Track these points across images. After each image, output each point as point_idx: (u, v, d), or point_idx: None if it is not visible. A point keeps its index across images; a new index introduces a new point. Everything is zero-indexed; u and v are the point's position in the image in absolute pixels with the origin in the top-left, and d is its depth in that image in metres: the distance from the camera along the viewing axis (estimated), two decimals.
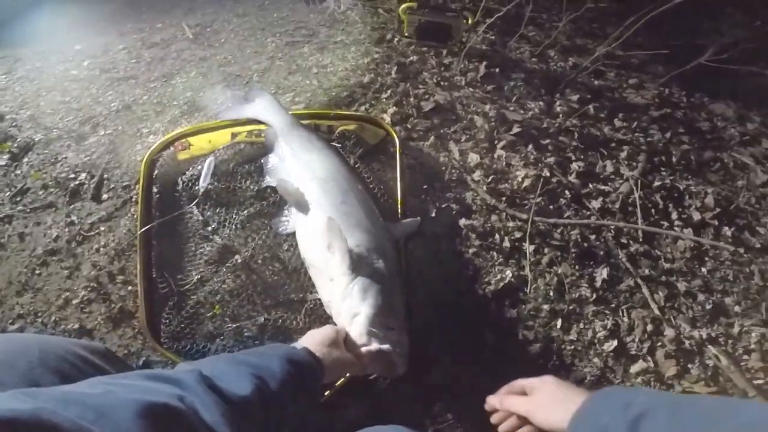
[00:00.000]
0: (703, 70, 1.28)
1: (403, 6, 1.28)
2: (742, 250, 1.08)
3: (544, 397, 0.59)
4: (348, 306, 0.71)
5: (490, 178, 1.08)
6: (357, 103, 1.15)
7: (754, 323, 0.97)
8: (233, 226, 0.84)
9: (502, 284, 0.94)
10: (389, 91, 1.18)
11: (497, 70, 1.29)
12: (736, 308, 0.97)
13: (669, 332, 0.92)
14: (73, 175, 0.94)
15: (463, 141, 1.13)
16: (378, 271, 0.76)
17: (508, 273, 0.96)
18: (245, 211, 0.86)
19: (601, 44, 1.44)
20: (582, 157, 1.17)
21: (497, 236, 1.01)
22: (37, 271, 0.83)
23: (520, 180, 1.10)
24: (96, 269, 0.82)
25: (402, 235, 0.89)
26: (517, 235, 1.02)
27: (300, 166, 0.89)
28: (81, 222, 0.87)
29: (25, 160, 0.97)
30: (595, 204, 1.12)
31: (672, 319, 0.94)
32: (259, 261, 0.83)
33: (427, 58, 1.30)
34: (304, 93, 1.15)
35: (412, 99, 1.18)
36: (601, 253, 1.01)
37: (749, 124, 1.42)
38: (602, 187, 1.14)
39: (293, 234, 0.85)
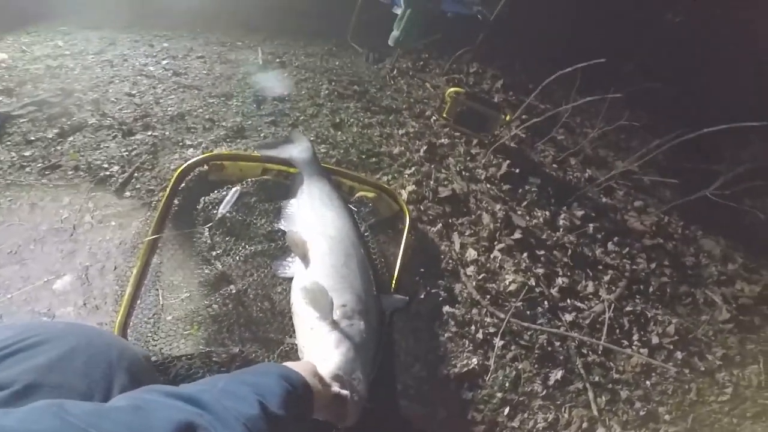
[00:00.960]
0: (705, 200, 1.26)
1: (451, 90, 1.31)
2: (687, 371, 1.09)
3: None
4: (321, 350, 0.70)
5: (482, 275, 1.08)
6: (382, 171, 1.17)
7: (678, 431, 0.96)
8: (237, 257, 0.81)
9: (465, 369, 0.92)
10: (413, 168, 1.21)
11: (518, 170, 1.30)
12: (666, 416, 0.97)
13: None
14: (106, 165, 0.92)
15: (467, 234, 1.15)
16: (357, 331, 0.74)
17: (474, 360, 0.95)
18: (252, 247, 0.83)
19: (621, 158, 1.46)
20: (569, 274, 1.18)
21: (473, 327, 1.00)
22: (31, 246, 0.77)
23: (507, 284, 1.11)
24: (93, 259, 0.77)
25: (390, 308, 0.87)
26: (491, 330, 1.01)
27: (315, 219, 0.89)
28: (94, 210, 0.83)
29: (71, 138, 0.96)
30: (568, 317, 1.12)
31: (607, 421, 0.95)
32: (251, 296, 0.78)
33: (456, 144, 1.32)
34: (338, 148, 1.17)
35: (432, 182, 1.19)
36: (561, 357, 1.02)
37: (730, 265, 1.44)
38: (579, 304, 1.15)
39: (290, 279, 0.82)
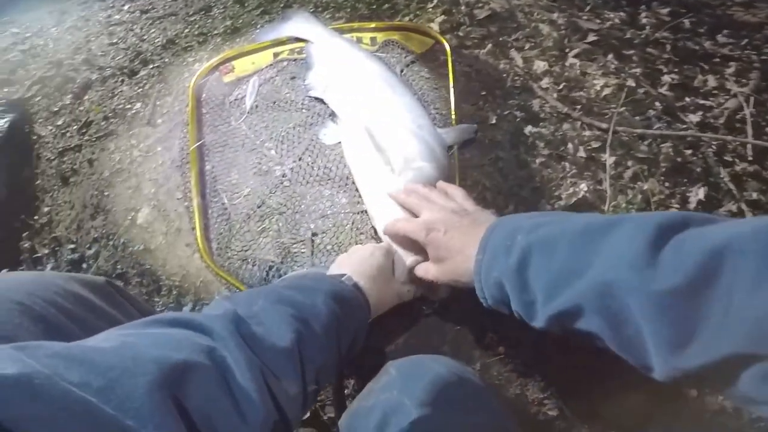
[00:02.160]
0: None
1: None
2: None
3: (447, 243, 0.60)
4: (390, 210, 0.78)
5: (562, 86, 1.10)
6: (400, 14, 1.23)
7: None
8: (281, 138, 0.98)
9: (575, 199, 0.97)
10: (435, 1, 1.25)
11: None
12: None
13: None
14: (129, 106, 1.15)
15: (526, 49, 1.17)
16: (425, 175, 0.84)
17: (583, 186, 0.98)
18: (291, 124, 0.99)
19: None
20: (676, 70, 1.14)
21: (570, 145, 1.03)
22: (105, 192, 1.04)
23: (598, 89, 1.11)
24: (156, 186, 1.00)
25: (456, 141, 0.97)
26: (595, 145, 1.04)
27: (341, 75, 1.01)
28: (139, 145, 1.07)
29: (86, 97, 1.21)
30: (693, 118, 1.09)
31: None
32: (307, 171, 0.95)
33: None
34: (342, 9, 1.26)
35: (463, 7, 1.23)
36: (698, 170, 0.99)
37: None
38: (702, 102, 1.11)
39: (339, 144, 0.97)
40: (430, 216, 0.65)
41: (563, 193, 0.99)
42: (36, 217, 1.06)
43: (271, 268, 0.91)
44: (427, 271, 0.66)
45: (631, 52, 1.19)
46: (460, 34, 1.19)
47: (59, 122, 1.18)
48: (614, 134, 1.06)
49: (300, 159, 0.97)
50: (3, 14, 1.83)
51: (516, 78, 1.12)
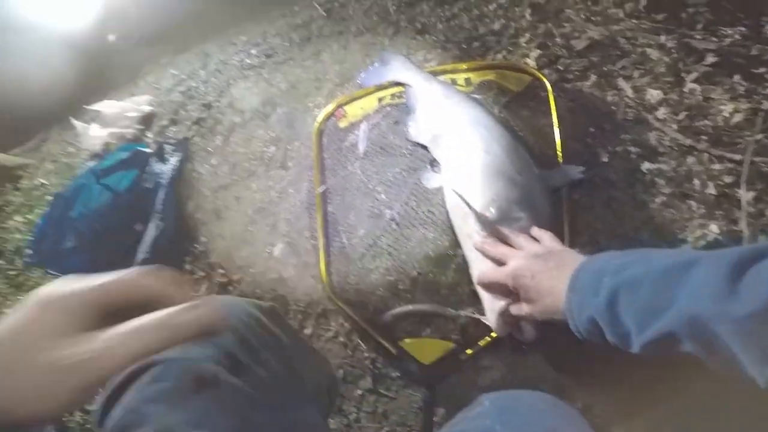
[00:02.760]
0: None
1: None
2: None
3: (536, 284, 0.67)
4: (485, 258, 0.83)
5: (682, 115, 1.03)
6: (492, 51, 1.26)
7: None
8: (389, 183, 1.09)
9: (703, 242, 0.91)
10: (527, 35, 1.25)
11: None
12: None
13: None
14: (265, 149, 1.36)
15: (636, 77, 1.11)
16: (521, 226, 0.85)
17: (714, 228, 0.92)
18: (397, 168, 1.10)
19: None
20: None
21: (697, 182, 0.97)
22: (249, 228, 1.25)
23: (726, 115, 1.01)
24: (288, 225, 1.19)
25: (562, 183, 0.97)
26: (727, 179, 0.96)
27: (439, 121, 1.07)
28: (275, 186, 1.26)
29: (232, 139, 1.45)
30: None
31: None
32: (413, 215, 1.04)
33: None
34: (434, 50, 1.32)
35: (558, 39, 1.21)
36: None
37: None
38: None
39: (442, 189, 1.04)
40: (516, 263, 0.74)
41: (690, 235, 0.94)
42: (196, 245, 1.34)
43: (379, 301, 1.03)
44: (520, 309, 0.74)
45: (762, 70, 1.05)
46: (560, 67, 1.17)
47: (213, 161, 1.45)
48: (751, 165, 0.96)
49: (406, 203, 1.07)
50: (162, 56, 2.22)
51: (627, 110, 1.08)
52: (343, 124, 1.24)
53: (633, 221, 0.97)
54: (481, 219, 0.87)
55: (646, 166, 1.02)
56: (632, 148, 1.04)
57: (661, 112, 1.06)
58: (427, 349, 0.93)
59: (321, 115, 1.26)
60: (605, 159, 1.04)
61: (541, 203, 0.92)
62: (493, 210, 0.88)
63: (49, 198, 1.96)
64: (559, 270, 0.66)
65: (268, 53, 1.67)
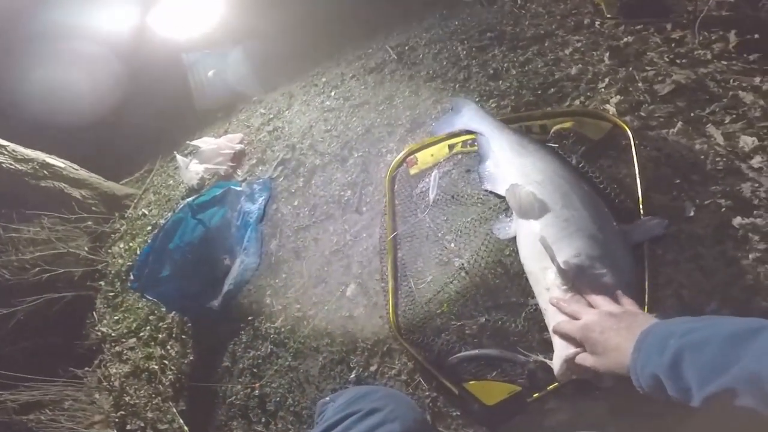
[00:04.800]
0: None
1: None
2: None
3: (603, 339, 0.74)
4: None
5: None
6: (569, 97, 1.25)
7: None
8: (459, 232, 1.11)
9: None
10: (607, 80, 1.22)
11: (756, 36, 1.14)
12: None
13: None
14: (342, 192, 1.46)
15: (727, 123, 1.05)
16: (600, 282, 0.84)
17: None
18: (469, 218, 1.12)
19: None
20: None
21: None
22: (325, 268, 1.35)
23: None
24: (361, 267, 1.26)
25: (643, 238, 0.94)
26: None
27: (514, 171, 1.07)
28: (350, 230, 1.35)
29: (313, 181, 1.58)
30: None
31: None
32: (482, 264, 1.06)
33: (647, 37, 1.27)
34: (507, 96, 1.34)
35: (640, 84, 1.17)
36: None
37: None
38: None
39: (514, 239, 1.04)
40: (589, 319, 0.79)
41: None
42: (276, 280, 1.47)
43: (444, 344, 1.06)
44: (584, 360, 0.79)
45: None
46: (642, 114, 1.13)
47: (295, 203, 1.59)
48: None
49: (476, 252, 1.10)
50: (253, 94, 2.48)
51: (717, 159, 1.02)
52: (414, 171, 1.30)
53: (722, 278, 0.91)
54: (563, 274, 0.87)
55: (738, 220, 0.95)
56: (722, 201, 0.97)
57: (757, 161, 0.99)
58: (491, 391, 0.95)
59: (393, 163, 1.33)
60: (691, 213, 0.98)
61: (622, 260, 0.90)
62: (574, 266, 0.88)
63: (149, 228, 2.25)
64: (629, 330, 0.71)
65: (346, 96, 1.81)
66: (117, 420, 1.59)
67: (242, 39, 2.52)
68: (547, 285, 0.90)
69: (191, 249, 1.72)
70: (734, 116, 1.06)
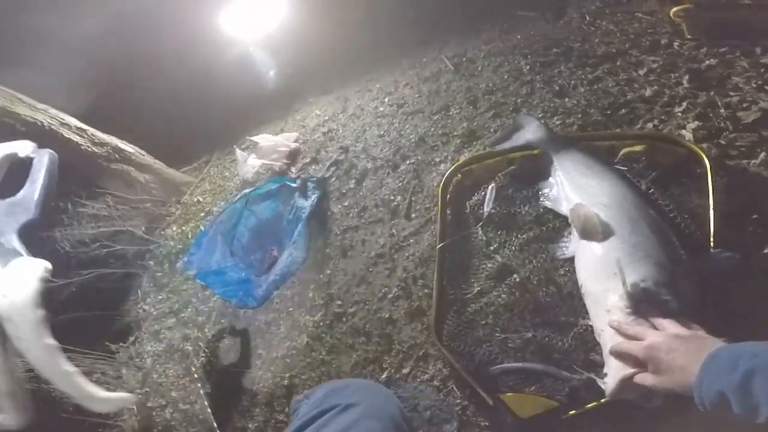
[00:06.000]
0: None
1: (676, 9, 1.27)
2: None
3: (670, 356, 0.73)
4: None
5: None
6: (641, 120, 1.19)
7: None
8: (513, 248, 1.09)
9: None
10: (685, 104, 1.17)
11: None
12: None
13: None
14: (392, 197, 1.47)
15: None
16: (665, 310, 0.82)
17: None
18: (524, 235, 1.10)
19: None
20: None
21: None
22: (370, 269, 1.35)
23: None
24: (405, 272, 1.26)
25: (711, 270, 0.89)
26: None
27: (578, 192, 1.05)
28: (398, 235, 1.36)
29: (364, 184, 1.60)
30: None
31: None
32: (535, 282, 1.04)
33: (732, 61, 1.21)
34: (573, 114, 1.30)
35: (722, 110, 1.12)
36: None
37: None
38: None
39: (570, 259, 1.02)
40: (655, 339, 0.78)
41: None
42: (321, 275, 1.49)
43: (485, 354, 1.04)
44: (644, 380, 0.78)
45: None
46: (722, 142, 1.08)
47: (345, 203, 1.61)
48: None
49: (529, 270, 1.07)
50: (309, 95, 2.55)
51: None
52: (469, 182, 1.29)
53: None
54: (629, 297, 0.85)
55: None
56: None
57: None
58: (527, 404, 0.94)
59: (449, 172, 1.32)
60: (766, 250, 0.93)
61: (689, 290, 0.87)
62: (641, 290, 0.86)
63: (202, 214, 2.35)
64: (696, 353, 0.71)
65: (400, 103, 1.82)
66: (141, 396, 1.64)
67: (302, 39, 2.60)
68: (607, 307, 0.88)
69: (243, 238, 1.79)
70: None
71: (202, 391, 1.52)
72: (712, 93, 1.16)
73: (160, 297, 2.07)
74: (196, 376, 1.58)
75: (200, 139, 3.03)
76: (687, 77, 1.22)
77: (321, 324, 1.38)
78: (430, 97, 1.74)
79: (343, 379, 1.01)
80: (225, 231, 1.79)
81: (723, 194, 0.99)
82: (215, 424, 1.39)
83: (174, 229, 2.45)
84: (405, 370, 1.15)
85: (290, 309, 1.48)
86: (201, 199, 2.54)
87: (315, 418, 0.77)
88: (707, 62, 1.25)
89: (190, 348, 1.68)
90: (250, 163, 2.23)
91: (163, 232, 2.46)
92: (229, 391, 1.46)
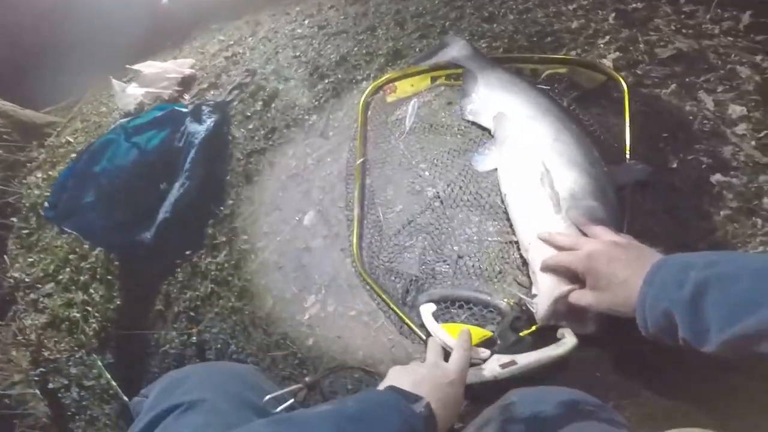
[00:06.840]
0: None
1: None
2: None
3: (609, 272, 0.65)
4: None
5: (763, 133, 0.99)
6: (565, 48, 1.22)
7: None
8: (435, 161, 1.04)
9: None
10: (608, 37, 1.21)
11: None
12: None
13: None
14: (307, 117, 1.33)
15: (719, 92, 1.07)
16: (593, 214, 0.80)
17: None
18: (446, 148, 1.05)
19: None
20: None
21: (766, 200, 0.92)
22: (280, 194, 1.21)
23: None
24: (322, 193, 1.14)
25: (627, 181, 0.91)
26: None
27: (502, 105, 1.01)
28: (312, 154, 1.23)
29: (273, 105, 1.43)
30: None
31: None
32: (456, 197, 0.99)
33: (658, 6, 1.26)
34: (500, 39, 1.28)
35: (641, 45, 1.17)
36: None
37: None
38: None
39: (493, 171, 0.98)
40: (593, 246, 0.69)
41: (750, 251, 0.88)
42: (221, 208, 1.30)
43: (412, 282, 0.97)
44: (581, 298, 0.69)
45: None
46: (638, 72, 1.13)
47: (250, 126, 1.42)
48: None
49: (452, 183, 1.01)
50: (213, 22, 2.25)
51: (705, 122, 1.02)
52: (391, 98, 1.20)
53: (694, 231, 0.91)
54: (559, 202, 0.82)
55: (716, 177, 0.96)
56: (704, 159, 0.98)
57: (741, 128, 1.01)
58: None
59: (369, 88, 1.22)
60: (674, 165, 0.98)
61: (611, 196, 0.86)
62: (569, 196, 0.83)
63: (73, 155, 1.95)
64: (638, 261, 0.63)
65: (321, 25, 1.66)
66: (37, 378, 1.34)
67: None
68: (535, 217, 0.85)
69: (122, 173, 1.49)
70: (728, 87, 1.08)
71: (101, 363, 1.26)
72: (634, 30, 1.22)
73: (31, 259, 1.69)
74: (91, 346, 1.32)
75: (74, 75, 2.55)
76: (613, 15, 1.27)
77: (226, 265, 1.20)
78: (356, 18, 1.61)
79: (183, 368, 0.82)
80: (98, 167, 1.47)
81: (637, 116, 1.02)
82: (126, 398, 1.17)
83: (39, 175, 2.02)
84: (330, 308, 1.04)
85: (187, 253, 1.27)
86: (71, 140, 2.13)
87: (154, 423, 0.61)
88: (634, 5, 1.31)
89: (78, 315, 1.39)
90: (130, 93, 1.90)
91: (24, 181, 2.02)
92: (133, 359, 1.25)
